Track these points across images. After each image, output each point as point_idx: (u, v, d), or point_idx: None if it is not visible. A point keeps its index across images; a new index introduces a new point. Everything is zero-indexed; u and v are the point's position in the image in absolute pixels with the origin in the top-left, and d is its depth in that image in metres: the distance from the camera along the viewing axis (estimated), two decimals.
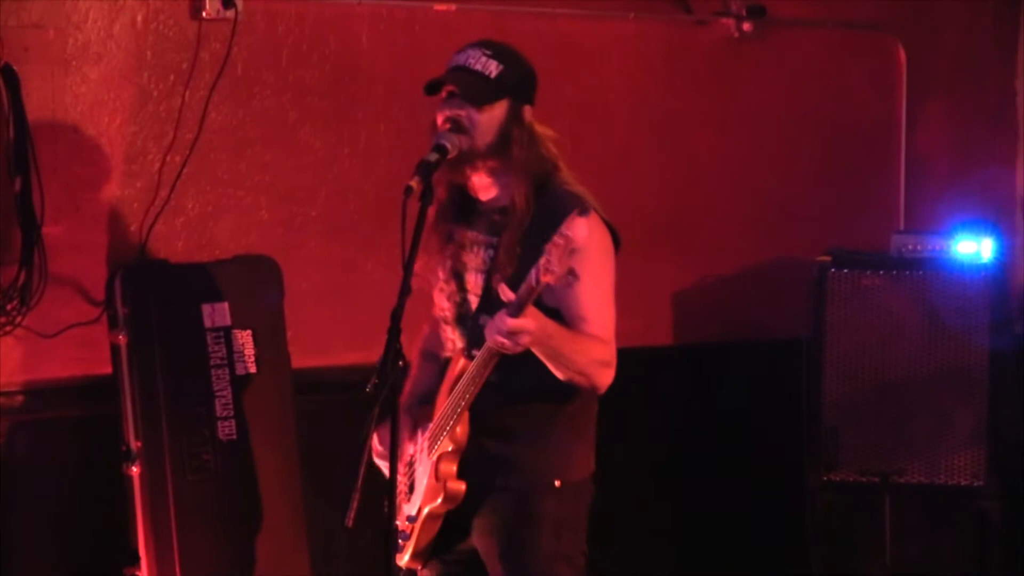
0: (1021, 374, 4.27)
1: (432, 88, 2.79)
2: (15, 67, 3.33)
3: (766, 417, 4.28)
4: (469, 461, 2.87)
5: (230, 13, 3.55)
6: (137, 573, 3.39)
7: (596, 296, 2.80)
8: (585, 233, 2.51)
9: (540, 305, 2.66)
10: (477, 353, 2.76)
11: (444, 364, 2.95)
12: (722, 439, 4.36)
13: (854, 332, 4.07)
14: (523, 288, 2.57)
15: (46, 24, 3.40)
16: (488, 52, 2.81)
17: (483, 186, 2.85)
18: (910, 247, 4.13)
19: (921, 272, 4.07)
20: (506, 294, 2.61)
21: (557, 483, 2.90)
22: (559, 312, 2.75)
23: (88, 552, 3.50)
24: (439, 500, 2.84)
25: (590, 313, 2.78)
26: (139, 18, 3.46)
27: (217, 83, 3.52)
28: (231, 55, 3.54)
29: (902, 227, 4.55)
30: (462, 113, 2.76)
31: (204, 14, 3.52)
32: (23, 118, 3.38)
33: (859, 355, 4.08)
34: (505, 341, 2.62)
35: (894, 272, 4.07)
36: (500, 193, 2.85)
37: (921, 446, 4.03)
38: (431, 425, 2.90)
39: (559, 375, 2.75)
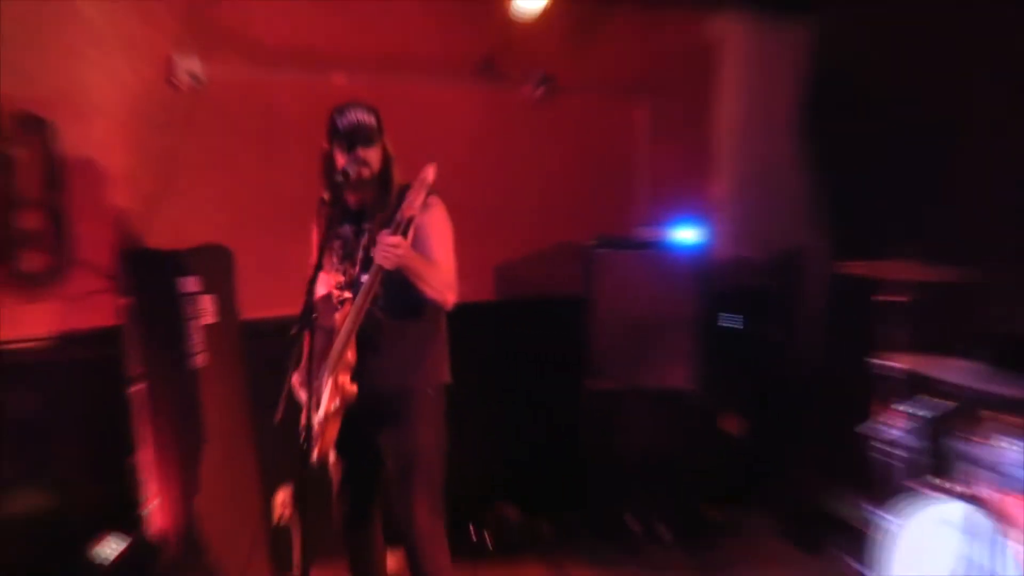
0: (713, 317, 4.73)
1: (351, 144, 3.07)
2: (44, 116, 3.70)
3: (558, 349, 4.73)
4: (368, 377, 3.08)
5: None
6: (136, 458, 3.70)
7: (443, 248, 3.13)
8: (432, 173, 2.81)
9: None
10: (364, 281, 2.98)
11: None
12: (528, 367, 4.78)
13: (614, 291, 4.54)
14: (396, 219, 2.88)
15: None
16: (363, 108, 3.13)
17: (355, 196, 3.10)
18: (649, 234, 4.71)
19: (655, 251, 4.56)
20: (385, 232, 2.86)
21: (430, 392, 3.21)
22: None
23: (102, 448, 3.83)
24: (337, 401, 3.06)
25: (439, 256, 3.11)
26: None
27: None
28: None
29: (645, 222, 4.99)
30: (362, 153, 3.13)
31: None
32: (55, 170, 3.75)
33: (618, 307, 4.54)
34: (388, 253, 2.84)
35: (638, 251, 4.56)
36: (362, 197, 3.13)
37: (655, 363, 4.54)
38: (330, 353, 3.11)
39: (426, 291, 3.01)
